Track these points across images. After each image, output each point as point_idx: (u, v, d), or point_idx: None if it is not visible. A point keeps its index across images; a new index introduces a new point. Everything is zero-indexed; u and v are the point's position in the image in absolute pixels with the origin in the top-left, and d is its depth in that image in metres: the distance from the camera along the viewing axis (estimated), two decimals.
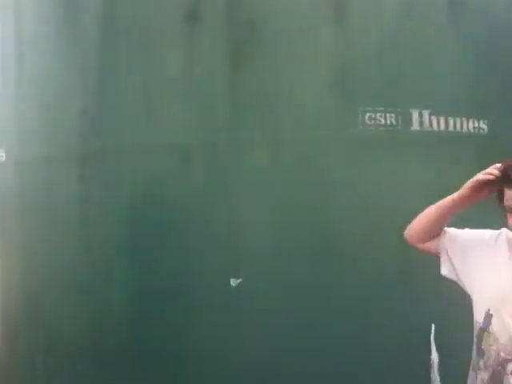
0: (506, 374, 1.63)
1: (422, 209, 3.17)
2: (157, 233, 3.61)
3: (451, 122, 3.55)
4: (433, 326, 3.29)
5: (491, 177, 1.75)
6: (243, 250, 3.48)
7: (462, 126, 3.58)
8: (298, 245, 3.42)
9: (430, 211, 2.02)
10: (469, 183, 1.85)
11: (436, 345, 3.30)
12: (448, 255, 1.96)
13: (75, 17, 4.04)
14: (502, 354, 1.65)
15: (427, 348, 3.30)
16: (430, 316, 3.34)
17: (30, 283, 4.18)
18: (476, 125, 3.63)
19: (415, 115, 3.48)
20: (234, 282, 3.38)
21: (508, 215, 1.68)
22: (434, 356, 3.28)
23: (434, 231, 2.02)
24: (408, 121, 3.47)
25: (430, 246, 2.06)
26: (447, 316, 3.28)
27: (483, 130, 3.66)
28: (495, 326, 1.68)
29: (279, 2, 3.56)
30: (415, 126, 3.48)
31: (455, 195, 1.91)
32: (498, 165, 1.75)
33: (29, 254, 4.21)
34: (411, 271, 3.40)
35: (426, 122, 3.49)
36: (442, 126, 3.53)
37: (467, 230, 2.00)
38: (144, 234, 3.66)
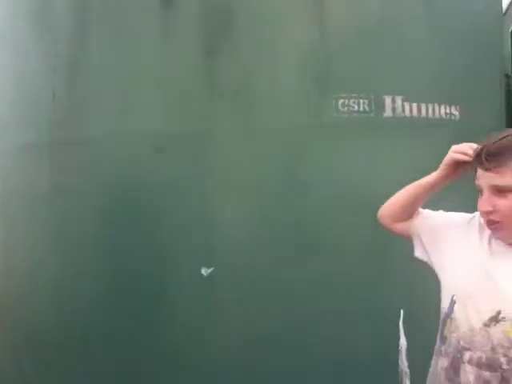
0: (463, 362, 1.64)
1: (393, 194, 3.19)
2: (130, 223, 3.59)
3: (423, 108, 3.58)
4: (401, 311, 3.32)
5: (466, 157, 1.74)
6: (217, 239, 3.46)
7: (434, 112, 3.62)
8: (273, 233, 3.41)
9: (407, 190, 2.00)
10: (445, 161, 1.83)
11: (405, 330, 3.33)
12: (420, 237, 1.94)
13: (46, 3, 3.97)
14: (461, 342, 1.65)
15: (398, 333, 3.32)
16: (402, 302, 3.36)
17: (7, 274, 4.13)
18: (448, 111, 3.67)
19: (388, 101, 3.50)
20: (205, 272, 3.37)
21: (479, 196, 1.68)
22: (403, 341, 3.31)
23: (410, 211, 2.00)
24: (381, 107, 3.49)
25: (402, 227, 2.03)
26: (419, 303, 3.30)
27: (455, 115, 3.70)
28: (457, 313, 1.68)
29: None
30: (388, 113, 3.50)
31: (433, 174, 1.90)
32: (474, 145, 1.73)
33: (3, 243, 4.15)
34: (386, 257, 3.43)
35: (399, 108, 3.52)
36: (415, 112, 3.56)
37: (441, 212, 1.98)
38: (117, 223, 3.63)
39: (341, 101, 3.43)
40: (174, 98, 3.54)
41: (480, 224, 1.77)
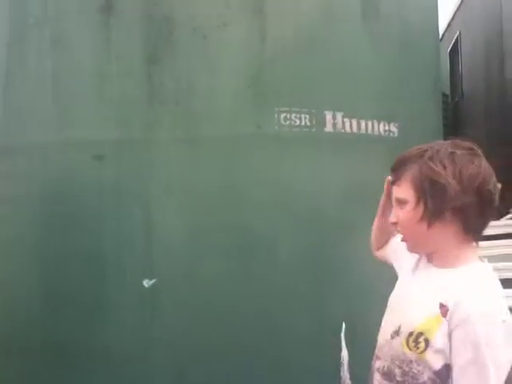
0: (374, 369, 1.69)
1: (336, 207, 3.24)
2: (68, 232, 3.50)
3: (363, 124, 3.65)
4: (343, 323, 3.36)
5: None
6: (157, 249, 3.42)
7: (373, 129, 3.69)
8: (213, 244, 3.40)
9: (376, 217, 2.01)
10: (385, 185, 1.85)
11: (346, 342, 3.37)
12: (391, 262, 1.94)
13: None
14: (376, 351, 1.70)
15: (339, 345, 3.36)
16: (344, 314, 3.40)
17: None
18: (387, 128, 3.75)
19: (329, 117, 3.55)
20: (147, 284, 3.32)
21: None
22: (344, 354, 3.35)
23: (381, 238, 2.02)
24: (322, 122, 3.53)
25: (381, 254, 2.04)
26: (359, 313, 3.35)
27: (393, 132, 3.78)
28: (382, 322, 1.73)
29: None
30: (329, 128, 3.55)
31: (381, 199, 1.92)
32: None
33: None
34: (325, 268, 3.46)
35: (339, 124, 3.58)
36: (355, 129, 3.62)
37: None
38: (55, 232, 3.54)
39: (283, 115, 3.46)
40: (114, 106, 3.49)
41: None
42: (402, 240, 1.66)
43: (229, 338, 3.33)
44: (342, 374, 3.33)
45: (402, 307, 1.64)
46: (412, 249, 1.67)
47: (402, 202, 1.60)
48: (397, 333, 1.61)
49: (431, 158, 1.53)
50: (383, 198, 1.89)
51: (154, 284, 3.33)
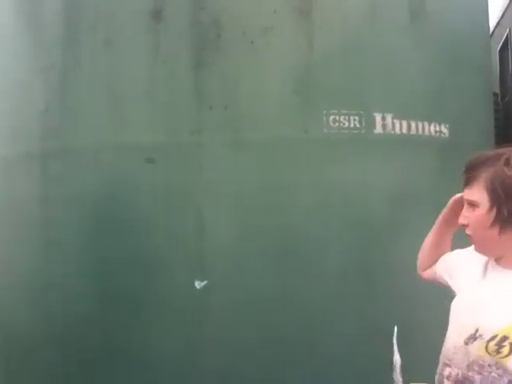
0: (443, 377, 1.63)
1: (385, 210, 3.21)
2: (119, 233, 3.57)
3: (413, 125, 3.61)
4: (395, 327, 3.33)
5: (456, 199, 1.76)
6: (207, 251, 3.46)
7: (423, 130, 3.65)
8: (261, 246, 3.42)
9: (428, 234, 1.96)
10: (450, 202, 1.83)
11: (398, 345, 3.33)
12: (444, 279, 1.87)
13: (36, 14, 3.96)
14: (444, 359, 1.65)
15: (391, 349, 3.33)
16: (393, 316, 3.37)
17: None
18: (437, 128, 3.70)
19: (378, 118, 3.53)
20: (198, 285, 3.36)
21: None
22: (397, 358, 3.31)
23: (434, 255, 1.95)
24: (371, 124, 3.51)
25: (429, 273, 1.97)
26: (410, 316, 3.31)
27: (444, 133, 3.73)
28: (448, 331, 1.67)
29: (243, 2, 3.56)
30: (378, 129, 3.53)
31: (441, 215, 1.89)
32: None
33: None
34: (374, 272, 3.44)
35: (389, 125, 3.55)
36: (405, 130, 3.59)
37: (458, 251, 1.90)
38: (106, 234, 3.61)
39: (331, 117, 3.45)
40: (164, 109, 3.55)
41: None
42: (472, 243, 1.63)
43: (279, 338, 3.34)
44: (394, 377, 3.30)
45: (476, 311, 1.59)
46: (480, 251, 1.64)
47: (473, 205, 1.57)
48: (473, 338, 1.55)
49: (508, 163, 1.50)
50: (444, 213, 1.86)
51: (206, 285, 3.36)
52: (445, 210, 1.86)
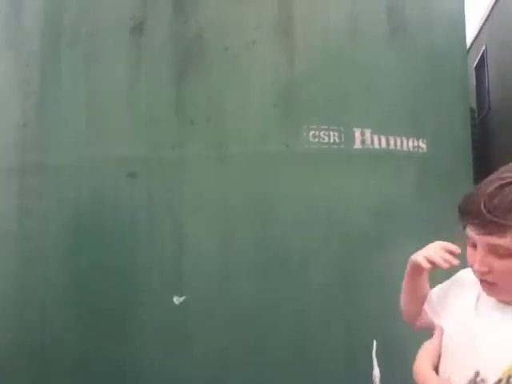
0: None
1: (365, 223, 3.22)
2: (99, 248, 3.55)
3: (392, 140, 3.66)
4: (374, 341, 3.34)
5: (427, 265, 1.62)
6: (188, 265, 3.45)
7: (402, 145, 3.70)
8: (244, 261, 3.42)
9: (402, 287, 1.85)
10: (410, 261, 1.70)
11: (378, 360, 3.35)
12: (434, 322, 1.71)
13: (16, 27, 3.95)
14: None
15: (371, 363, 3.34)
16: (376, 330, 3.39)
17: None
18: (416, 144, 3.75)
19: (357, 134, 3.57)
20: (177, 300, 3.35)
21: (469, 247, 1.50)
22: (376, 372, 3.32)
23: (414, 304, 1.83)
24: (351, 139, 3.55)
25: (420, 323, 1.82)
26: (393, 329, 3.32)
27: (422, 148, 3.78)
28: (441, 370, 1.55)
29: (226, 17, 3.59)
30: (357, 145, 3.57)
31: (408, 266, 1.75)
32: (451, 246, 1.61)
33: None
34: (357, 285, 3.46)
35: (368, 141, 3.59)
36: (384, 145, 3.63)
37: (440, 287, 1.76)
38: (85, 249, 3.59)
39: (311, 132, 3.48)
40: (146, 124, 3.54)
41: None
42: (489, 289, 1.47)
43: (262, 352, 3.34)
44: None
45: (475, 351, 1.45)
46: (496, 295, 1.49)
47: (502, 253, 1.40)
48: (474, 382, 1.43)
49: None
50: (413, 278, 1.74)
51: (184, 300, 3.35)
52: (409, 264, 1.72)
